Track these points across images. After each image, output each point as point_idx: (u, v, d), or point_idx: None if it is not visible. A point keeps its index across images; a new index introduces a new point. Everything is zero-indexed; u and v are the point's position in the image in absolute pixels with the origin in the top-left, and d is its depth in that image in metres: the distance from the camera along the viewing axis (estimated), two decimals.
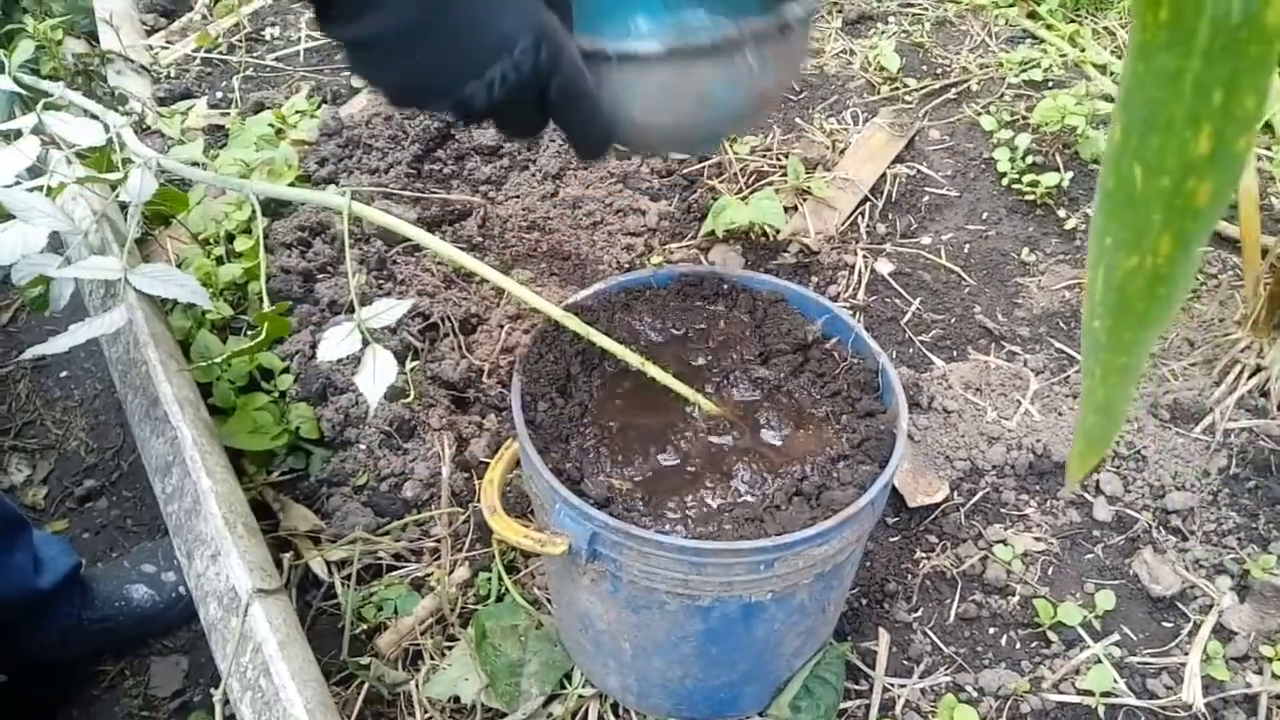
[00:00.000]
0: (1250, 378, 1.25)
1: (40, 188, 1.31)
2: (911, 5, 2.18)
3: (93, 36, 2.06)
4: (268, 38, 2.06)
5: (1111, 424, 0.51)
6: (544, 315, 1.01)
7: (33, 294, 1.21)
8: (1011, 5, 2.13)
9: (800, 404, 1.00)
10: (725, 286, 1.11)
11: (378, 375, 0.99)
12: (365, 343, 1.01)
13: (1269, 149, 1.67)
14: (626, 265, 1.56)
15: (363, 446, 1.29)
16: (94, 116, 1.58)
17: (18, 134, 1.40)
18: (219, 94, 1.90)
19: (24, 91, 1.67)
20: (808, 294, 1.08)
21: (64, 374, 1.77)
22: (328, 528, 1.23)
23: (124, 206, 1.47)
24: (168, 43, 2.05)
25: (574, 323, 0.99)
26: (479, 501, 1.27)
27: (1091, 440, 0.51)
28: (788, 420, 0.98)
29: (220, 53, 2.02)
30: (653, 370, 0.97)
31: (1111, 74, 1.93)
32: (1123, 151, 0.38)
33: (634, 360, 0.98)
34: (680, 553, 0.82)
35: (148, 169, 1.22)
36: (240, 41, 2.06)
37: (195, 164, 1.61)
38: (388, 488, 1.27)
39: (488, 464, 1.31)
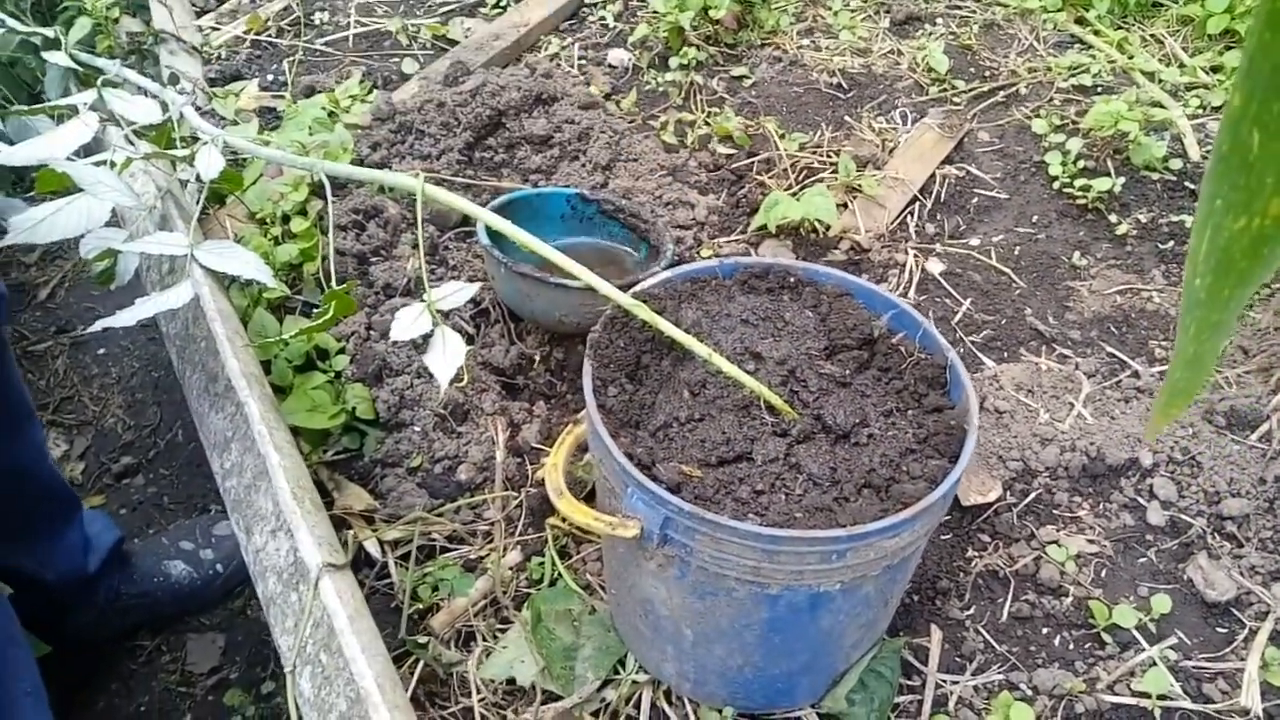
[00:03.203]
0: None
1: (104, 162, 1.32)
2: (959, 7, 2.18)
3: (144, 16, 2.07)
4: (317, 22, 2.07)
5: (1198, 377, 0.52)
6: (613, 302, 1.01)
7: (99, 267, 1.22)
8: (1060, 10, 2.13)
9: (867, 398, 1.01)
10: (790, 279, 1.12)
11: (448, 356, 1.00)
12: (435, 324, 1.02)
13: None
14: (675, 259, 1.56)
15: (417, 429, 1.30)
16: (151, 95, 1.60)
17: (74, 110, 1.42)
18: (269, 76, 1.91)
19: (80, 68, 1.69)
20: (873, 288, 1.08)
21: (101, 351, 1.79)
22: (382, 508, 1.24)
23: (184, 184, 1.49)
24: (217, 24, 2.07)
25: (644, 311, 1.00)
26: (532, 486, 1.28)
27: (1176, 392, 0.52)
28: (854, 414, 0.98)
29: (270, 36, 2.04)
30: (720, 362, 0.97)
31: (1161, 81, 1.92)
32: (1242, 117, 0.39)
33: (702, 351, 0.98)
34: (755, 540, 0.82)
35: (215, 146, 1.23)
36: (290, 25, 2.07)
37: (258, 143, 1.63)
38: (441, 470, 1.28)
39: (539, 449, 1.32)
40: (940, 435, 0.96)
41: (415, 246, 1.50)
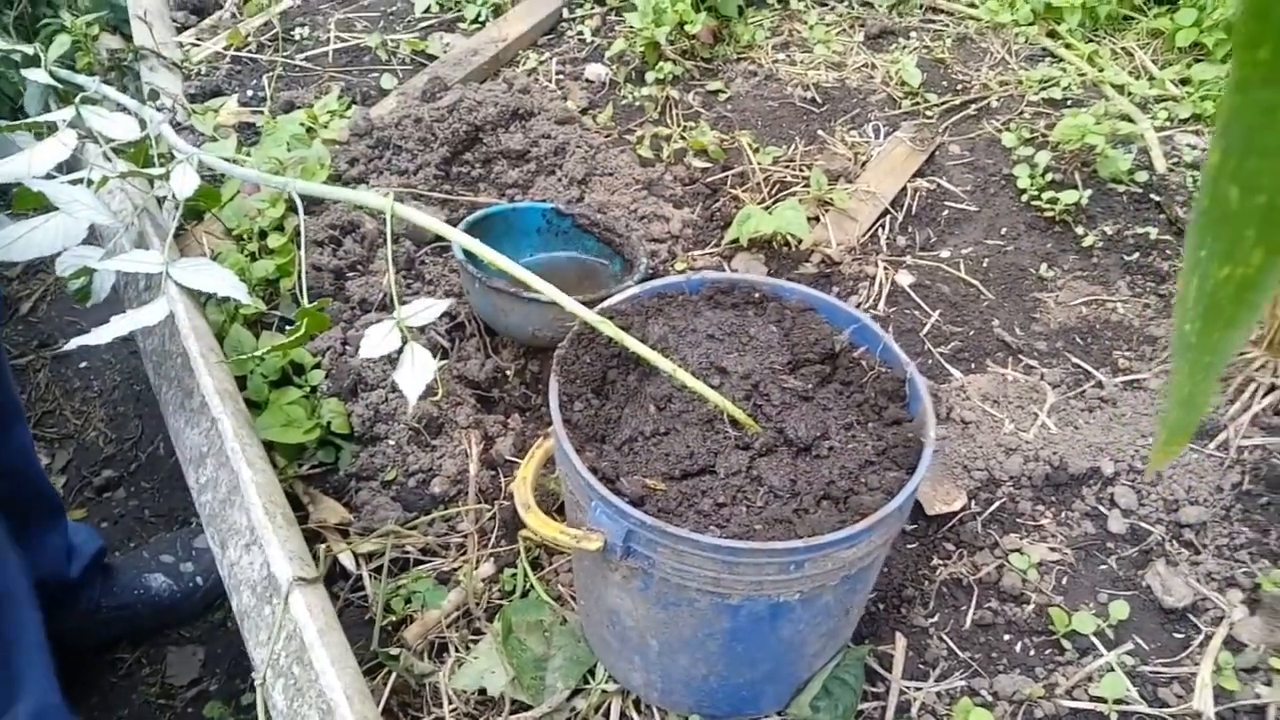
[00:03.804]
0: (1265, 396, 1.27)
1: (81, 180, 1.33)
2: (933, 21, 2.21)
3: (124, 32, 2.09)
4: (297, 37, 2.09)
5: (1193, 416, 0.56)
6: (580, 318, 1.03)
7: (75, 285, 1.24)
8: (1031, 24, 2.16)
9: (828, 411, 1.03)
10: (756, 295, 1.14)
11: (417, 373, 1.02)
12: (405, 341, 1.04)
13: None
14: (649, 272, 1.58)
15: (392, 442, 1.32)
16: (129, 112, 1.61)
17: (53, 127, 1.43)
18: (249, 92, 1.93)
19: (59, 85, 1.70)
20: (836, 303, 1.11)
21: (83, 364, 1.80)
22: (356, 521, 1.26)
23: (161, 201, 1.50)
24: (198, 40, 2.08)
25: (609, 328, 1.02)
26: (506, 499, 1.29)
27: (1174, 431, 0.55)
28: (816, 427, 1.00)
29: (250, 51, 2.05)
30: (684, 377, 0.99)
31: (1130, 94, 1.95)
32: (1220, 174, 0.42)
33: (666, 367, 1.00)
34: (715, 551, 0.85)
35: (189, 165, 1.25)
36: (270, 40, 2.09)
37: (233, 161, 1.64)
38: (416, 483, 1.29)
39: (513, 462, 1.34)
40: (899, 447, 0.98)
41: (387, 255, 1.52)
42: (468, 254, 1.37)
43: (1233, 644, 1.11)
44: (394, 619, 1.17)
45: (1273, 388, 1.28)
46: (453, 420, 1.36)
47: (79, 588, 1.23)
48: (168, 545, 1.34)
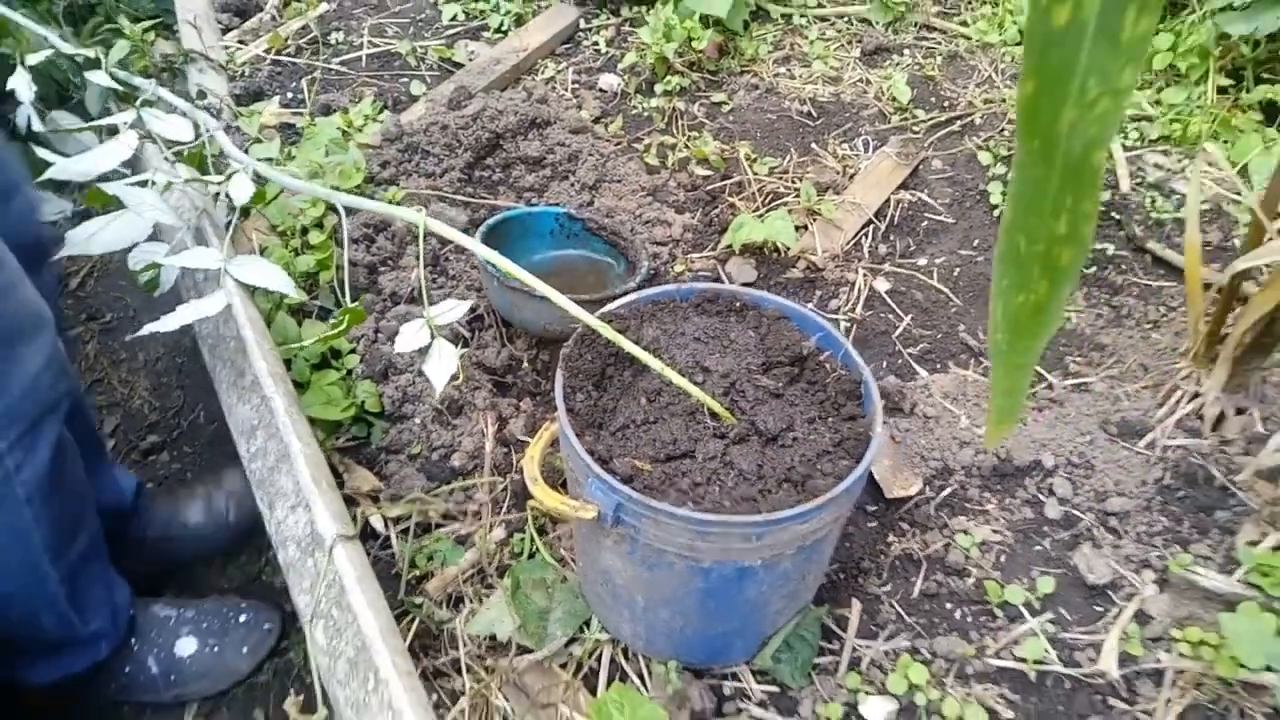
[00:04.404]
0: (1189, 402, 1.44)
1: (145, 182, 1.51)
2: (926, 39, 2.35)
3: (172, 31, 2.25)
4: (333, 41, 2.25)
5: (1014, 404, 0.74)
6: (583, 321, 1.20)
7: (145, 277, 1.41)
8: (1018, 44, 2.30)
9: (794, 407, 1.20)
10: (737, 303, 1.31)
11: (442, 365, 1.19)
12: (433, 337, 1.21)
13: (1238, 193, 1.85)
14: (651, 272, 1.75)
15: (417, 421, 1.49)
16: (183, 114, 1.79)
17: (113, 128, 1.61)
18: (289, 94, 2.09)
19: (118, 87, 1.88)
20: (806, 312, 1.27)
21: (128, 337, 1.98)
22: (386, 489, 1.44)
23: (215, 196, 1.68)
24: (240, 42, 2.25)
25: (607, 330, 1.19)
26: (517, 473, 1.47)
27: (1001, 415, 0.75)
28: (782, 420, 1.17)
29: (289, 54, 2.22)
30: (671, 375, 1.16)
31: None
32: (1013, 226, 0.61)
33: (656, 365, 1.17)
34: (689, 522, 1.02)
35: (245, 175, 1.42)
36: (308, 44, 2.25)
37: (272, 161, 1.82)
38: (438, 457, 1.47)
39: (525, 441, 1.52)
40: (851, 440, 1.15)
41: (418, 260, 1.69)
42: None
43: (1142, 617, 1.28)
44: (417, 574, 1.35)
45: (1195, 395, 1.44)
46: (471, 402, 1.53)
47: (129, 516, 1.41)
48: (200, 485, 1.52)
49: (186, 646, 1.34)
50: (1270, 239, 1.22)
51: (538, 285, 1.20)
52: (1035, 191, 0.60)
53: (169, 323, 1.31)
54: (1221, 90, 2.15)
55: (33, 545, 1.10)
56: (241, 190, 1.40)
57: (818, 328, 1.26)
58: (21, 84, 1.68)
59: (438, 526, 1.41)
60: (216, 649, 1.35)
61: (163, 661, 1.32)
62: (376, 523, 1.41)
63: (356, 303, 1.27)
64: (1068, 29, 0.55)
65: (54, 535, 1.12)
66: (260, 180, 1.53)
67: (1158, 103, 2.15)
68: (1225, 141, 2.06)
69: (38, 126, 1.72)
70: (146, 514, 1.45)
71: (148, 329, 1.29)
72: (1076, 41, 0.54)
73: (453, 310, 1.26)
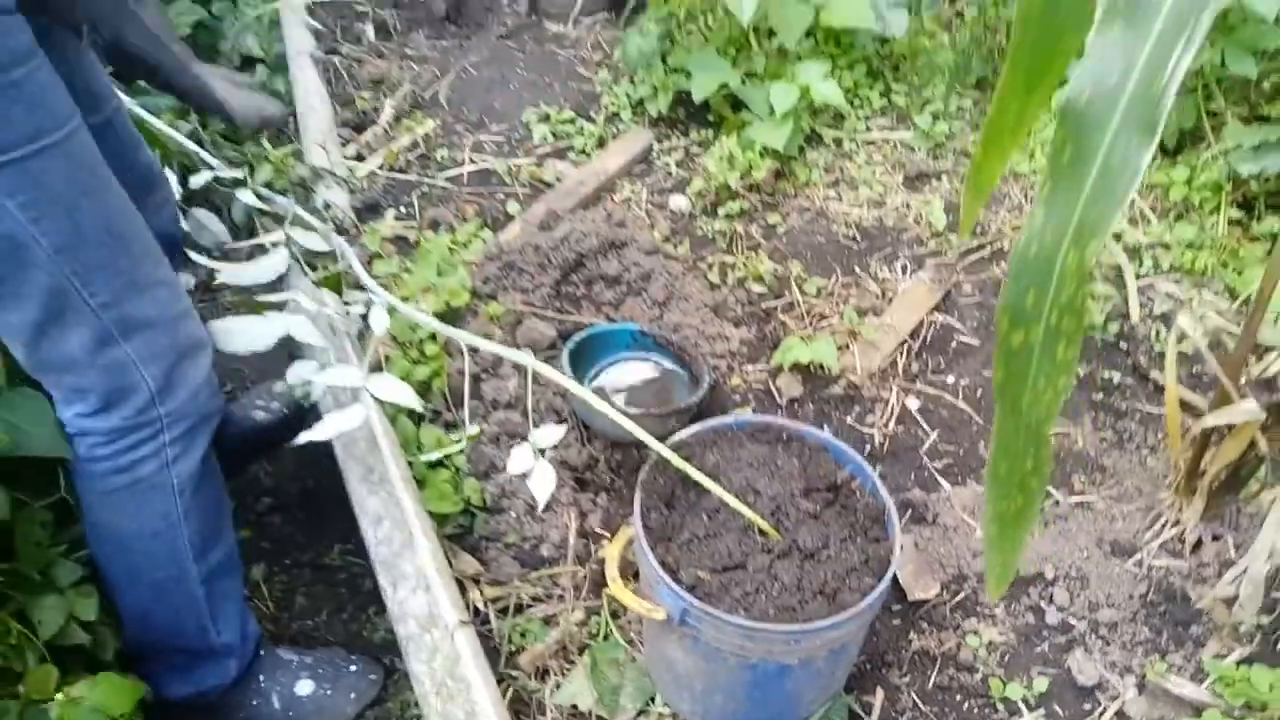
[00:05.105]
0: (1172, 528, 1.67)
1: (291, 300, 1.83)
2: (963, 164, 2.61)
3: (295, 144, 2.60)
4: (439, 158, 2.58)
5: (1008, 572, 0.99)
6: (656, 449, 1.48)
7: (300, 391, 1.73)
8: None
9: (829, 528, 1.46)
10: (784, 434, 1.58)
11: (544, 484, 1.48)
12: (536, 459, 1.50)
13: (1235, 326, 2.07)
14: (712, 383, 2.02)
15: (513, 514, 1.78)
16: (318, 231, 2.12)
17: (261, 247, 1.95)
18: (401, 208, 2.42)
19: (262, 205, 2.22)
20: (842, 446, 1.54)
21: (289, 445, 2.28)
22: (486, 573, 1.72)
23: (348, 308, 1.99)
24: (359, 156, 2.59)
25: (676, 460, 1.46)
26: (595, 563, 1.75)
27: (998, 580, 0.99)
28: (819, 539, 1.44)
29: (400, 168, 2.55)
30: (729, 499, 1.43)
31: (1121, 239, 2.33)
32: (996, 457, 0.86)
33: (715, 490, 1.44)
34: (741, 629, 1.28)
35: (382, 309, 1.73)
36: (416, 159, 2.58)
37: (393, 276, 2.13)
38: (529, 546, 1.76)
39: (601, 534, 1.80)
40: (876, 560, 1.41)
41: (514, 367, 1.99)
42: (573, 366, 1.84)
43: (1123, 716, 1.51)
44: (511, 648, 1.63)
45: (1177, 522, 1.67)
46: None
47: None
48: (258, 394, 1.95)
49: (304, 688, 1.59)
50: (1235, 400, 1.46)
51: (613, 414, 1.48)
52: (1008, 439, 0.87)
53: (318, 433, 1.61)
54: (1233, 222, 2.38)
55: (180, 537, 1.32)
56: (380, 322, 1.70)
57: (850, 459, 1.52)
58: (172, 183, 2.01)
59: (527, 607, 1.69)
60: (329, 692, 1.60)
61: (284, 699, 1.57)
62: (476, 600, 1.70)
63: (475, 432, 1.56)
64: (1021, 348, 0.82)
65: (198, 535, 1.34)
66: (392, 309, 1.84)
67: (1174, 229, 2.37)
68: (1235, 271, 2.28)
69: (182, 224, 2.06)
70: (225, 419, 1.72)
71: (302, 438, 1.59)
72: (1028, 356, 0.81)
73: (552, 433, 1.55)
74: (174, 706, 1.49)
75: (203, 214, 2.27)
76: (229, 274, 1.85)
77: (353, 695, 1.62)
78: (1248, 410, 1.42)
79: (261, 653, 1.58)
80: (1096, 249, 0.78)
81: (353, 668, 1.65)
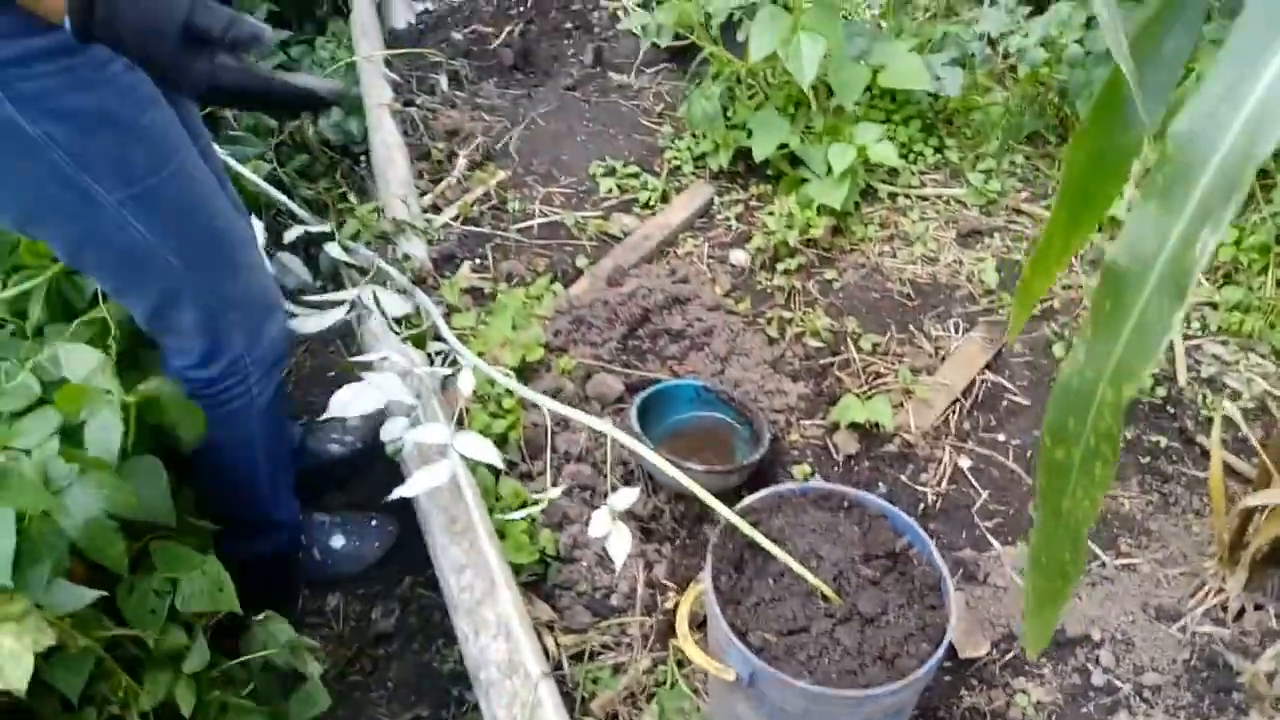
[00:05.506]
0: (1215, 596, 1.74)
1: (384, 360, 1.97)
2: (1015, 222, 2.70)
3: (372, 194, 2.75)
4: (510, 210, 2.72)
5: (1046, 634, 1.07)
6: (724, 513, 1.59)
7: (391, 448, 1.86)
8: (1101, 229, 2.62)
9: (888, 595, 1.56)
10: (845, 502, 1.68)
11: (621, 545, 1.60)
12: (614, 521, 1.62)
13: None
14: (772, 437, 2.12)
15: (584, 564, 1.90)
16: (402, 290, 2.26)
17: (338, 304, 2.10)
18: (477, 259, 2.56)
19: (348, 259, 2.37)
20: (900, 514, 1.64)
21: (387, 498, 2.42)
22: (559, 620, 1.84)
23: (431, 360, 2.12)
24: (435, 207, 2.73)
25: (745, 526, 1.57)
26: (661, 613, 1.86)
27: (1036, 640, 1.08)
28: (878, 605, 1.54)
29: (474, 218, 2.69)
30: (794, 565, 1.54)
31: None
32: (1038, 547, 0.96)
33: (781, 556, 1.55)
34: (805, 693, 1.39)
35: (469, 371, 1.86)
36: (489, 209, 2.72)
37: (471, 330, 2.27)
38: (600, 596, 1.87)
39: (667, 585, 1.91)
40: (932, 627, 1.51)
41: (607, 463, 2.11)
42: (640, 422, 1.97)
43: None
44: (584, 694, 1.75)
45: (1220, 590, 1.75)
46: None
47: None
48: (333, 427, 2.14)
49: (338, 541, 1.99)
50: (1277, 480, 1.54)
51: (682, 477, 1.60)
52: (1049, 535, 0.97)
53: (407, 490, 1.74)
54: None
55: (256, 444, 1.66)
56: (467, 384, 1.83)
57: (908, 527, 1.62)
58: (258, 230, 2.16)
59: (597, 654, 1.81)
60: (359, 543, 2.00)
61: (322, 550, 1.97)
62: (551, 647, 1.82)
63: (549, 496, 1.69)
64: (1063, 462, 0.92)
65: (267, 444, 1.68)
66: (477, 370, 1.98)
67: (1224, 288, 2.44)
68: None
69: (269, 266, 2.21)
70: (302, 447, 2.12)
71: (396, 493, 1.72)
72: (1068, 470, 0.91)
73: (628, 496, 1.67)
74: (241, 564, 1.72)
75: (288, 258, 2.43)
76: (297, 323, 2.03)
77: (376, 544, 2.02)
78: None
79: (302, 518, 1.92)
80: (1131, 391, 0.88)
81: (374, 522, 2.04)
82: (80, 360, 1.47)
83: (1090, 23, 2.72)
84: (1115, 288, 0.88)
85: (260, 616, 1.63)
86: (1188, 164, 0.82)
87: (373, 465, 2.12)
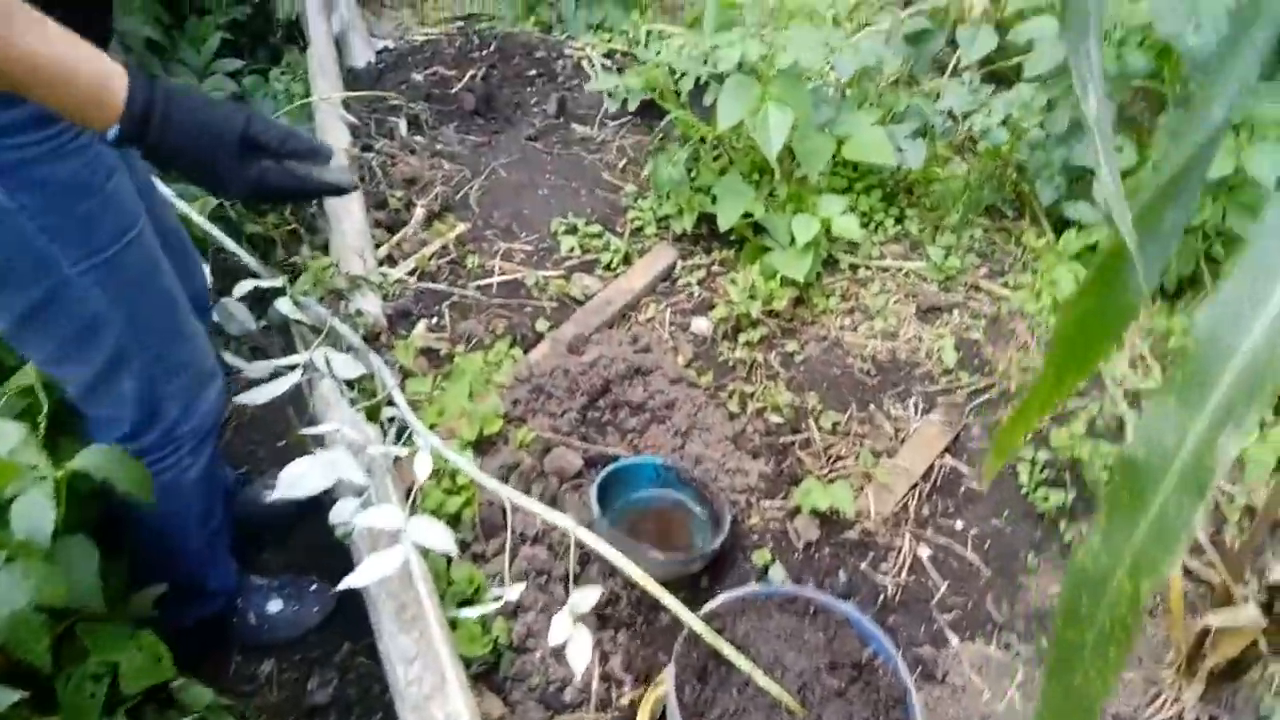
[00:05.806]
0: (1173, 704, 1.75)
1: (335, 432, 1.89)
2: (974, 298, 2.72)
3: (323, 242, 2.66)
4: (469, 265, 2.65)
5: None
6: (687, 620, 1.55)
7: (341, 531, 1.78)
8: (1053, 313, 2.66)
9: (852, 706, 1.53)
10: (811, 607, 1.65)
11: (582, 653, 1.54)
12: (574, 625, 1.57)
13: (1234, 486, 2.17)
14: (732, 520, 2.09)
15: (538, 655, 1.84)
16: (354, 351, 2.18)
17: (291, 368, 2.01)
18: (433, 318, 2.49)
19: (301, 318, 2.28)
20: (863, 619, 1.61)
21: None
22: (511, 714, 1.78)
23: (385, 429, 2.04)
24: (390, 258, 2.66)
25: (709, 634, 1.53)
26: (615, 710, 1.81)
27: None
28: (843, 717, 1.51)
29: (431, 273, 2.62)
30: (758, 677, 1.50)
31: (1123, 386, 2.43)
32: (1056, 673, 0.93)
33: (747, 667, 1.51)
34: None
35: (427, 453, 1.79)
36: (447, 264, 2.65)
37: (419, 406, 2.20)
38: (553, 689, 1.81)
39: (623, 679, 1.86)
40: None
41: (540, 496, 2.05)
42: (600, 501, 1.92)
43: None
44: None
45: (1177, 699, 1.76)
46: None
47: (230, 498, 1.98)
48: (271, 475, 1.98)
49: (275, 606, 1.92)
50: (1236, 602, 1.55)
51: (643, 579, 1.55)
52: (1057, 706, 0.95)
53: (358, 580, 1.66)
54: None
55: (188, 515, 1.64)
56: (424, 469, 1.76)
57: (872, 636, 1.60)
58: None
59: None
60: (297, 608, 1.94)
61: (259, 616, 1.91)
62: None
63: (495, 539, 1.63)
64: (1076, 642, 0.90)
65: (202, 511, 1.66)
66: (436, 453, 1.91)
67: None
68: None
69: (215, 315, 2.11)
70: (238, 494, 2.06)
71: (343, 584, 1.64)
72: (1081, 649, 0.89)
73: (589, 595, 1.62)
74: (178, 631, 1.68)
75: (233, 305, 2.33)
76: (245, 397, 1.92)
77: (315, 609, 1.96)
78: (1249, 617, 1.51)
79: (240, 581, 1.89)
80: (1149, 587, 0.86)
81: (313, 587, 1.98)
82: (3, 435, 1.38)
83: (1051, 105, 2.77)
84: (1132, 479, 0.86)
85: (177, 682, 1.58)
86: (1208, 362, 0.81)
87: (316, 513, 2.01)
